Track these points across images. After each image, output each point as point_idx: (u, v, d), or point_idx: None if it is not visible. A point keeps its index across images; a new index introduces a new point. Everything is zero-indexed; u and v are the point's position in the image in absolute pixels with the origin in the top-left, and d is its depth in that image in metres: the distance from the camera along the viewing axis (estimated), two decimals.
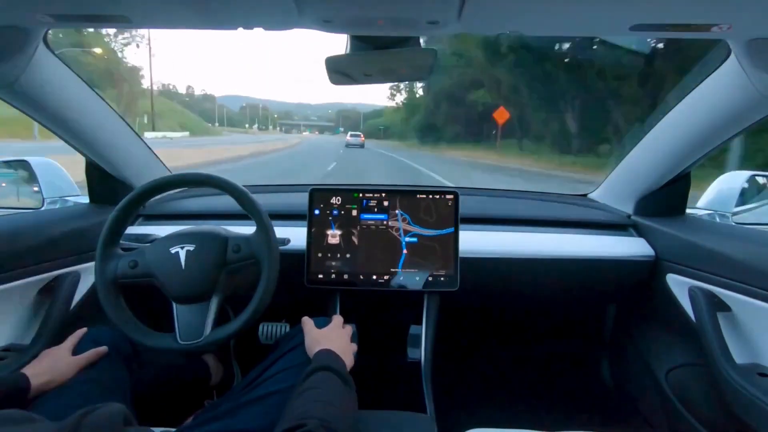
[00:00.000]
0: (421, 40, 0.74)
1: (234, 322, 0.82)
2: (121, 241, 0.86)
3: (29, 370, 0.69)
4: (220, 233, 0.86)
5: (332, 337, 0.76)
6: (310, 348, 0.74)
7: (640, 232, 1.14)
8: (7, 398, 0.64)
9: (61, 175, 1.34)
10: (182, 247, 0.83)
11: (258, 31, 0.66)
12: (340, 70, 0.80)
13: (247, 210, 0.85)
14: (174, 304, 0.84)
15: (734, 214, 1.26)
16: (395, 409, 0.80)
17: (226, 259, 0.83)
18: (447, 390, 1.14)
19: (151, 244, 0.86)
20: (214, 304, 0.83)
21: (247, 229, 0.90)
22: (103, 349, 0.77)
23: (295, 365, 0.75)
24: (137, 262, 0.83)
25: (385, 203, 1.03)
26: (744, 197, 1.33)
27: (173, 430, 0.72)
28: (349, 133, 32.79)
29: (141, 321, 0.83)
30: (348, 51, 0.74)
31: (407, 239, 1.02)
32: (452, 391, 1.32)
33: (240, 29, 0.65)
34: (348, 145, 25.88)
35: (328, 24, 0.63)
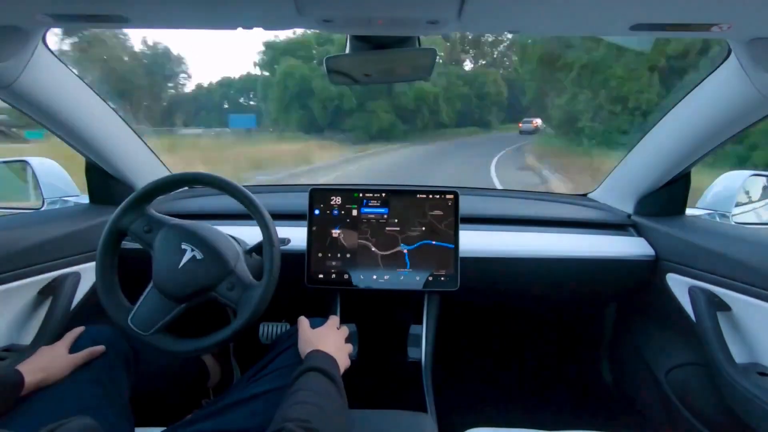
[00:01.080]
0: (421, 39, 0.74)
1: (186, 342, 0.80)
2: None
3: (24, 367, 0.68)
4: (228, 263, 0.82)
5: (326, 338, 0.76)
6: (303, 349, 0.74)
7: (640, 231, 1.14)
8: (1, 395, 0.64)
9: (61, 176, 1.34)
10: (192, 250, 0.81)
11: (258, 31, 0.66)
12: (340, 70, 0.80)
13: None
14: (150, 285, 0.82)
15: (734, 214, 1.26)
16: (395, 408, 0.80)
17: (216, 289, 0.81)
18: (447, 390, 1.14)
19: (170, 227, 0.84)
20: (178, 309, 0.81)
21: (248, 229, 0.90)
22: (100, 348, 0.76)
23: (289, 365, 0.75)
24: (152, 228, 0.83)
25: (386, 203, 1.03)
26: (744, 197, 1.33)
27: (167, 428, 0.72)
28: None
29: (130, 287, 0.83)
30: (348, 51, 0.74)
31: (407, 248, 1.02)
32: (452, 390, 1.32)
33: (240, 29, 0.65)
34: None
35: (328, 24, 0.63)
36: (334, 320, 0.83)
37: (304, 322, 0.80)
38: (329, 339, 0.76)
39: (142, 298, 0.81)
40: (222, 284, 0.81)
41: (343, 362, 0.73)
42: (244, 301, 0.80)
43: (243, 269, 0.85)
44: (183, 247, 0.81)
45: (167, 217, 0.88)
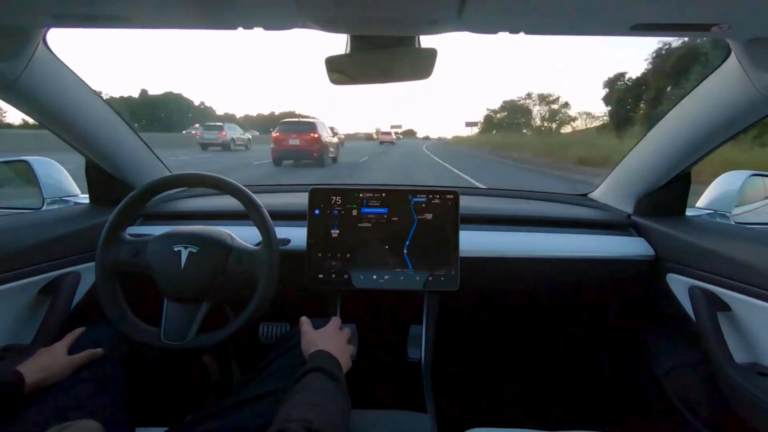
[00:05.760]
0: (421, 39, 0.74)
1: (219, 332, 0.82)
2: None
3: (24, 368, 0.68)
4: (225, 241, 0.86)
5: (328, 338, 0.76)
6: (306, 349, 0.74)
7: (640, 231, 1.14)
8: (1, 395, 0.64)
9: (61, 175, 1.34)
10: (185, 247, 0.83)
11: (258, 31, 0.66)
12: (340, 70, 0.80)
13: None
14: (166, 301, 0.83)
15: (734, 214, 1.26)
16: (395, 408, 0.80)
17: (226, 269, 0.83)
18: (447, 389, 1.14)
19: (156, 238, 0.86)
20: (203, 309, 0.83)
21: (248, 229, 0.90)
22: (99, 351, 0.77)
23: (291, 366, 0.75)
24: (139, 250, 0.83)
25: (386, 203, 1.03)
26: (744, 197, 1.33)
27: (168, 429, 0.72)
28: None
29: (135, 312, 0.83)
30: (348, 51, 0.75)
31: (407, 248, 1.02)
32: (452, 390, 1.32)
33: (240, 29, 0.66)
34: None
35: (328, 24, 0.63)
36: (336, 321, 0.83)
37: (306, 322, 0.80)
38: (332, 340, 0.76)
39: (163, 315, 0.82)
40: (229, 262, 0.84)
41: (346, 363, 0.73)
42: (257, 266, 0.83)
43: (240, 242, 0.88)
44: (176, 249, 0.83)
45: (144, 233, 0.90)
